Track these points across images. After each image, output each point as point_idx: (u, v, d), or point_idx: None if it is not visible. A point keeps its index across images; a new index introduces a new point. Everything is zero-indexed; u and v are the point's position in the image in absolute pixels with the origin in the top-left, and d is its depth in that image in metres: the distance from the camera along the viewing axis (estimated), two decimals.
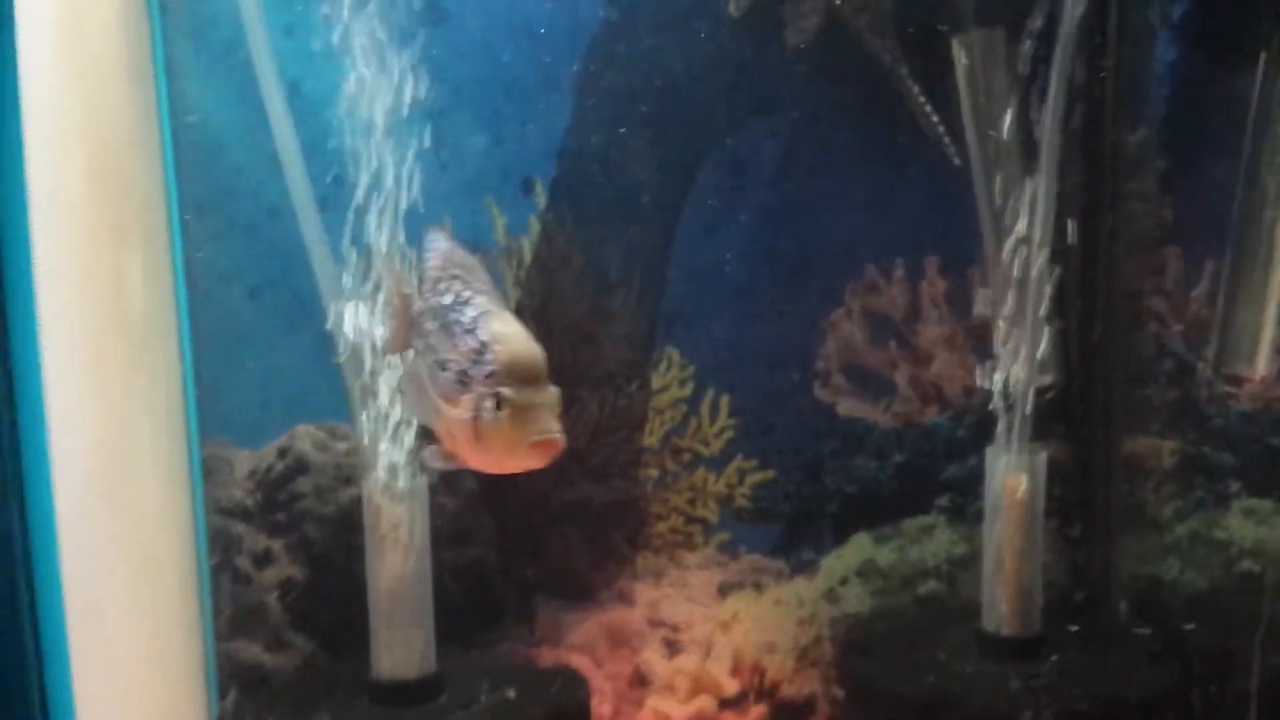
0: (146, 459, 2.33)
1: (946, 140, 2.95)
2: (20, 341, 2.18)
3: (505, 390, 1.57)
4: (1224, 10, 3.09)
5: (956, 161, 2.94)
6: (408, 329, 1.88)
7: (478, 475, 2.99)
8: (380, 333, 2.46)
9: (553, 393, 1.62)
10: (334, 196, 2.60)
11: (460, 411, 1.62)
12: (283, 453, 2.91)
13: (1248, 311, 2.90)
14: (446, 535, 2.88)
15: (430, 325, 1.77)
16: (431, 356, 1.74)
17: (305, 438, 2.91)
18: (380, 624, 2.54)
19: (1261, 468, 3.18)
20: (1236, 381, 2.90)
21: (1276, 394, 3.11)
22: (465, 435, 1.62)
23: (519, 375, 1.58)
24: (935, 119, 2.94)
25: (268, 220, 2.80)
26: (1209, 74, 3.10)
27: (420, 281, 1.88)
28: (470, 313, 1.67)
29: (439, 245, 1.83)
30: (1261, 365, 2.88)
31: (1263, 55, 2.90)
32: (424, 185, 2.50)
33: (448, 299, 1.75)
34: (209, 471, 2.86)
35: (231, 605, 2.89)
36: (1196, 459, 3.19)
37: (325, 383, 2.85)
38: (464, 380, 1.62)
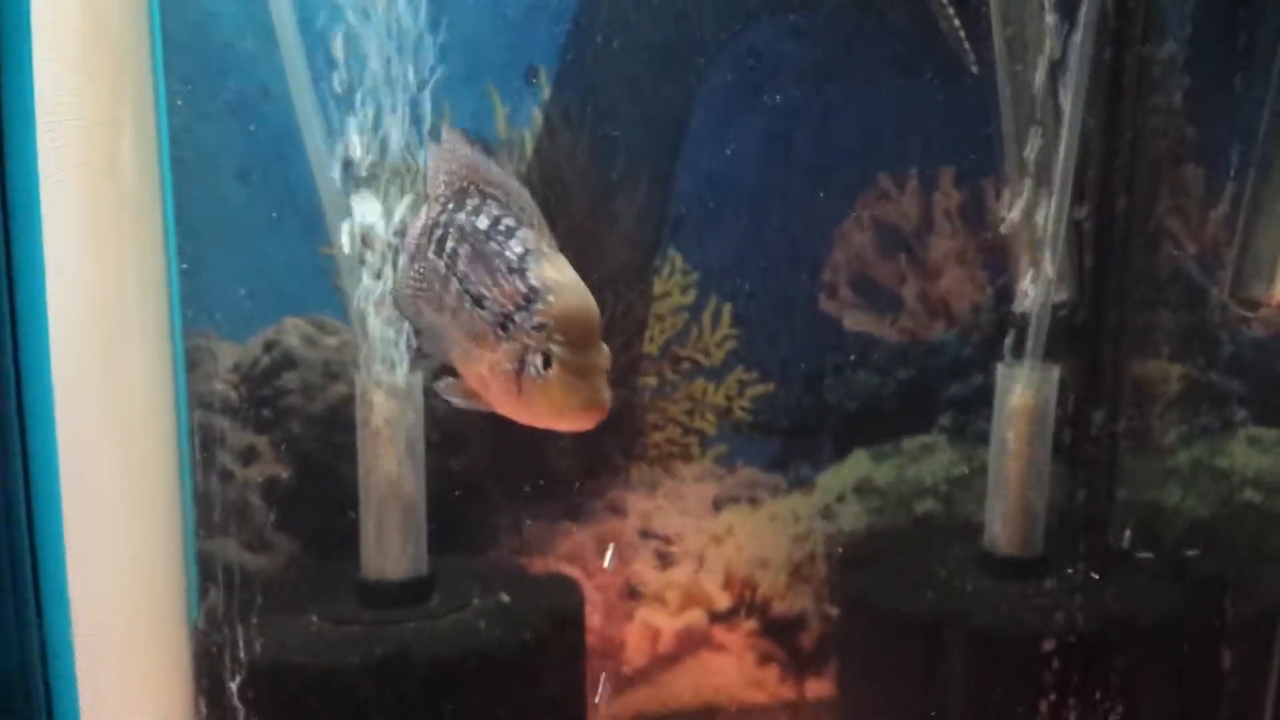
0: (136, 339, 2.21)
1: (966, 46, 2.84)
2: (20, 208, 2.04)
3: (557, 349, 1.41)
4: None
5: (974, 69, 2.83)
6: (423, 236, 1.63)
7: None
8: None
9: (606, 354, 1.46)
10: (328, 78, 2.47)
11: (497, 359, 1.47)
12: (269, 346, 2.79)
13: (1267, 233, 2.82)
14: (437, 439, 2.79)
15: (457, 246, 1.56)
16: (459, 285, 1.54)
17: (293, 331, 2.79)
18: (370, 522, 2.45)
19: (1269, 396, 3.13)
20: (1252, 305, 2.83)
21: None
22: (503, 385, 1.47)
23: (574, 334, 1.42)
24: (957, 22, 2.83)
25: (259, 99, 2.65)
26: None
27: (439, 186, 1.63)
28: (516, 248, 1.48)
29: (461, 151, 1.60)
30: (1279, 289, 2.81)
31: None
32: (422, 71, 2.37)
33: (483, 222, 1.54)
34: (192, 363, 2.74)
35: (213, 503, 2.80)
36: (1204, 385, 3.14)
37: (315, 274, 2.74)
38: (505, 325, 1.46)
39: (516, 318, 1.44)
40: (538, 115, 2.81)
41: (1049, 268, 2.66)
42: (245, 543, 2.81)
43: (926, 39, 2.84)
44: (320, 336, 2.80)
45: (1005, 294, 3.03)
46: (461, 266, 1.54)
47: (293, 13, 2.42)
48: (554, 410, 1.44)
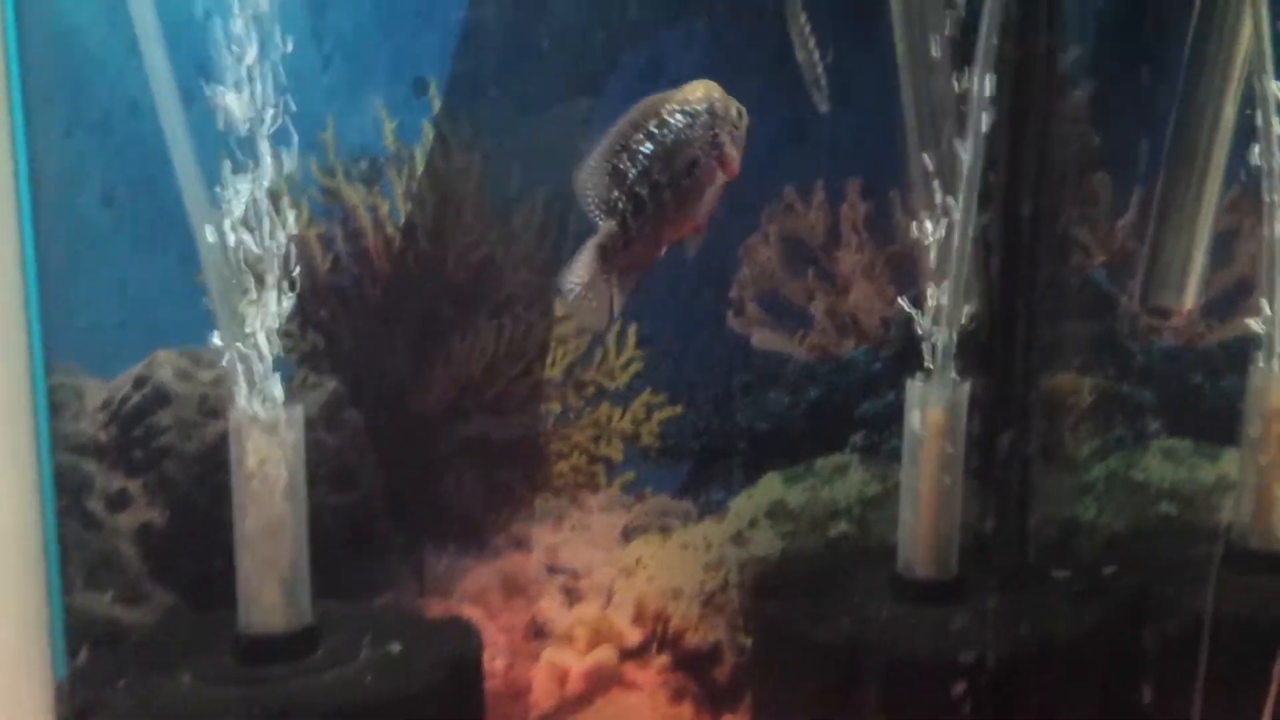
0: None
1: (821, 84, 2.71)
2: None
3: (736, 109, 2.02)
4: None
5: (824, 108, 2.72)
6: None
7: (361, 409, 2.76)
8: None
9: None
10: (200, 91, 2.30)
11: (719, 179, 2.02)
12: (140, 382, 2.61)
13: (1178, 240, 2.79)
14: (325, 475, 2.63)
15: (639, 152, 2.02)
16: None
17: (165, 365, 2.61)
18: (248, 571, 2.27)
19: (1181, 406, 3.10)
20: (1164, 314, 2.80)
21: (1200, 330, 3.02)
22: (720, 185, 2.04)
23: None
24: (816, 56, 2.69)
25: (126, 116, 2.48)
26: None
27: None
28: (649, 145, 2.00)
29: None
30: (1190, 297, 2.77)
31: None
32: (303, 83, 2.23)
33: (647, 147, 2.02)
34: (55, 403, 2.55)
35: (81, 553, 2.60)
36: (1116, 396, 3.10)
37: (188, 303, 2.56)
38: (722, 157, 2.00)
39: (721, 140, 1.99)
40: (428, 129, 2.67)
41: (956, 280, 2.58)
42: (118, 595, 2.61)
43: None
44: (195, 370, 2.62)
45: (914, 307, 2.95)
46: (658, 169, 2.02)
47: (156, 20, 2.24)
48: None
